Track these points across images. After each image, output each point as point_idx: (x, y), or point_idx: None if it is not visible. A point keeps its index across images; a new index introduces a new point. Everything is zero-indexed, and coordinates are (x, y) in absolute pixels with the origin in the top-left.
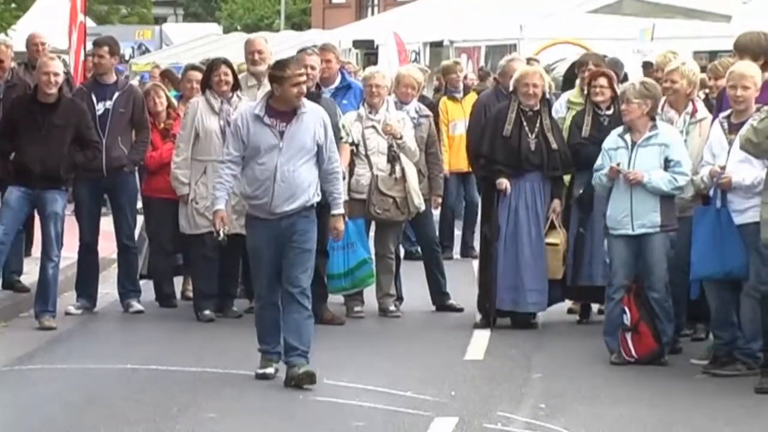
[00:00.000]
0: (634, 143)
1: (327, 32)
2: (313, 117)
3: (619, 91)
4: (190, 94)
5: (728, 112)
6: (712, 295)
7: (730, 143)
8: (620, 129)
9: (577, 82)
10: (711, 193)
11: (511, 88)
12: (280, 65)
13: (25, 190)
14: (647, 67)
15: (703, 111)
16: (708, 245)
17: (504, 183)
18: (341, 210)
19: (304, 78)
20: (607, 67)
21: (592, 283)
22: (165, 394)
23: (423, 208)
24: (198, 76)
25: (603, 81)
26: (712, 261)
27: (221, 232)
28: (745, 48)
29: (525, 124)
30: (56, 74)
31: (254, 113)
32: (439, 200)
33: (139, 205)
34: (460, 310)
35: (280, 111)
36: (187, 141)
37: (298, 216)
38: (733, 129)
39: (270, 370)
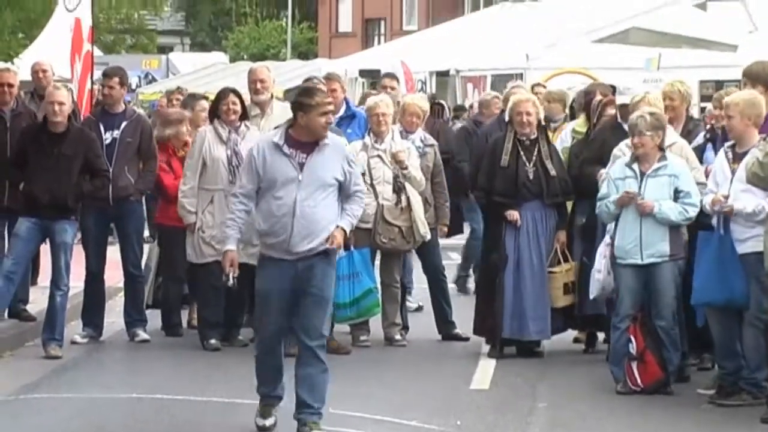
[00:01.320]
0: (642, 173)
1: (333, 61)
2: (335, 149)
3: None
4: (204, 123)
5: (732, 141)
6: (714, 324)
7: (733, 172)
8: (626, 158)
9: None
10: (714, 221)
11: (507, 118)
12: (308, 92)
13: (35, 221)
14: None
15: (672, 136)
16: (711, 272)
17: (515, 215)
18: (347, 226)
19: (332, 107)
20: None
21: (598, 312)
22: (170, 424)
23: (429, 237)
24: (206, 105)
25: (613, 111)
26: (714, 288)
27: (230, 276)
28: (757, 77)
29: (522, 153)
30: (62, 103)
31: (273, 141)
32: (445, 229)
33: (146, 233)
34: (466, 339)
35: (301, 141)
36: (194, 170)
37: (318, 258)
38: (736, 158)
39: (270, 421)
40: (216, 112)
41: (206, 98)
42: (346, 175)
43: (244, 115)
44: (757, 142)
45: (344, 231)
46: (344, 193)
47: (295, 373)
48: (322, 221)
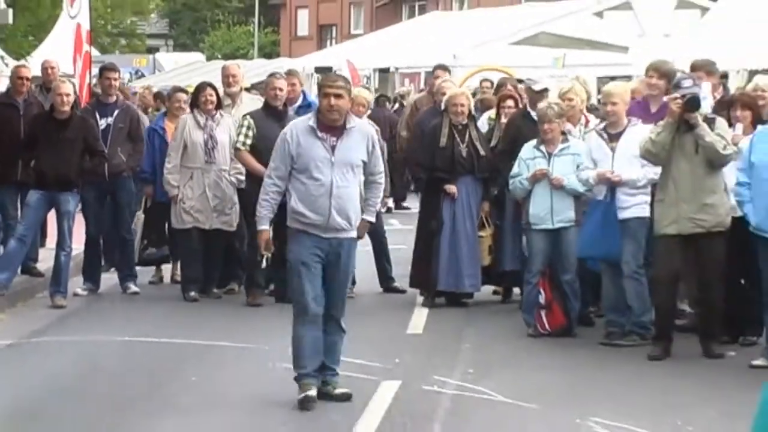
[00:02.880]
0: (550, 154)
1: (293, 60)
2: (361, 133)
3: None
4: (177, 112)
5: (603, 124)
6: (607, 280)
7: (612, 149)
8: (534, 141)
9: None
10: (602, 191)
11: (443, 107)
12: (323, 78)
13: (43, 193)
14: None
15: (594, 121)
16: (596, 231)
17: (453, 188)
18: (372, 218)
19: (335, 91)
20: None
21: (502, 268)
22: (157, 362)
23: None
24: (184, 97)
25: (510, 102)
26: (597, 244)
27: (265, 255)
28: (663, 72)
29: (456, 136)
30: (68, 95)
31: (308, 125)
32: (387, 201)
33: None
34: (404, 291)
35: (329, 126)
36: (176, 151)
37: (347, 233)
38: (612, 138)
39: (313, 393)
40: (195, 102)
41: (185, 91)
42: (369, 157)
43: (219, 105)
44: (626, 123)
45: (369, 223)
46: (367, 171)
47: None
48: (352, 199)
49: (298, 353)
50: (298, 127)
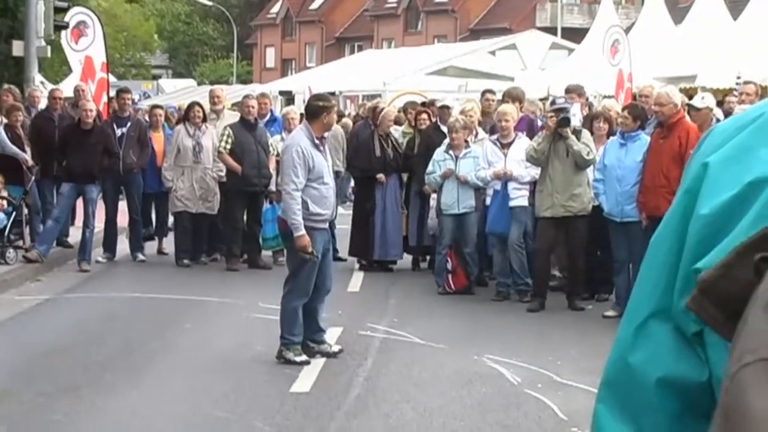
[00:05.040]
0: (456, 156)
1: (263, 86)
2: (330, 139)
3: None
4: (156, 123)
5: (496, 135)
6: (497, 252)
7: (505, 155)
8: (444, 146)
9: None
10: (498, 185)
11: (378, 122)
12: (324, 98)
13: (73, 185)
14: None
15: (481, 134)
16: (497, 214)
17: (382, 177)
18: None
19: (335, 109)
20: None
21: (424, 243)
22: (159, 313)
23: None
24: (160, 111)
25: (425, 116)
26: (497, 223)
27: (314, 253)
28: (513, 96)
29: (384, 144)
30: (91, 110)
31: (313, 142)
32: None
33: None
34: (344, 260)
35: (319, 137)
36: (172, 153)
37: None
38: (504, 146)
39: (306, 357)
40: (187, 117)
41: (161, 107)
42: None
43: (204, 119)
44: (515, 135)
45: None
46: None
47: (311, 306)
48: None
49: (293, 323)
50: (305, 142)
